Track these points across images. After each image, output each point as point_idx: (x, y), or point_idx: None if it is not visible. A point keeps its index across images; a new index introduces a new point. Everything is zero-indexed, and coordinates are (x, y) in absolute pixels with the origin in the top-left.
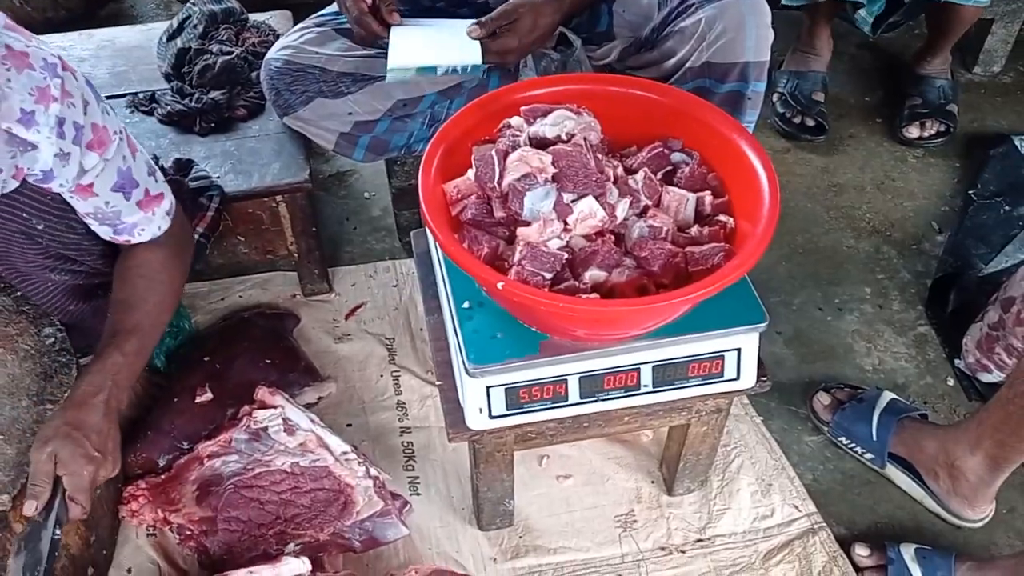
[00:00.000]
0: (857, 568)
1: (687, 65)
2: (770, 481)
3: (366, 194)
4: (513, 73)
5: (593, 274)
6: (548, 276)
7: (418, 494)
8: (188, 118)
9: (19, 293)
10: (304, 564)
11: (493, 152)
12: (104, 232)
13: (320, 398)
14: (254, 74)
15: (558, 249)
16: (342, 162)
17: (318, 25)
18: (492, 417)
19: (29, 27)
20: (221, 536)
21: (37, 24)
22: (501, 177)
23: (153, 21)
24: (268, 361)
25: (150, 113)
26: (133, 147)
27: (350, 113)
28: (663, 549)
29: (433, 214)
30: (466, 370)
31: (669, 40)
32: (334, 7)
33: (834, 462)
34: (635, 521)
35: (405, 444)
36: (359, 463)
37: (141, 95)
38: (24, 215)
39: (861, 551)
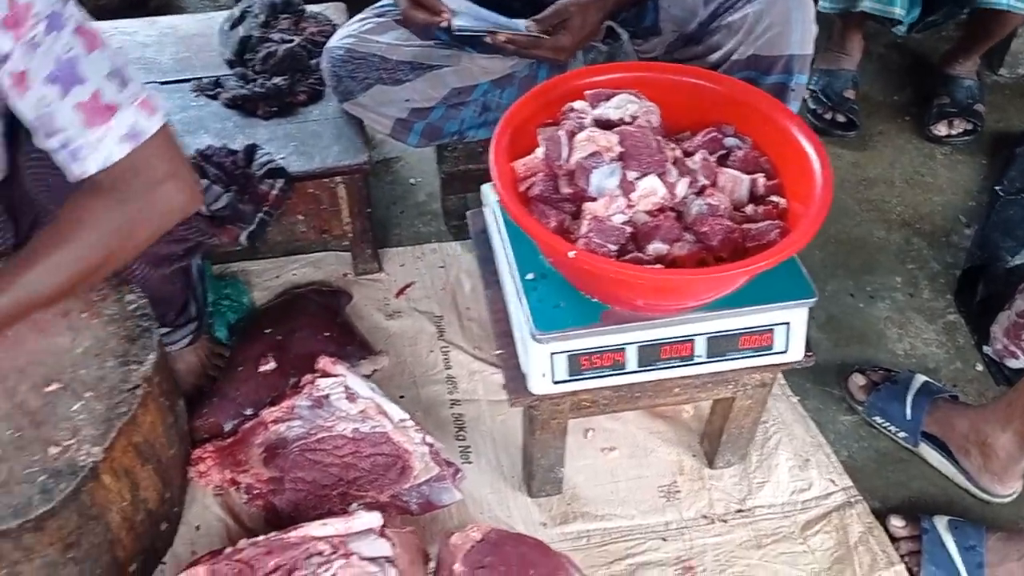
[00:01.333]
0: (892, 539)
1: (733, 58)
2: (807, 456)
3: (412, 180)
4: (563, 66)
5: (656, 247)
6: (613, 248)
7: (469, 462)
8: (252, 102)
9: None
10: (376, 518)
11: (561, 132)
12: (60, 158)
13: (374, 371)
14: (313, 61)
15: (622, 224)
16: (388, 150)
17: (378, 15)
18: (555, 382)
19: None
20: (289, 495)
21: (90, 9)
22: (569, 155)
23: (202, 11)
24: (326, 334)
25: (215, 97)
26: (93, 41)
27: (407, 100)
28: (705, 518)
29: (505, 190)
30: (532, 337)
31: (716, 34)
32: None
33: (868, 440)
34: (678, 492)
35: (455, 416)
36: (416, 430)
37: (206, 80)
38: None
39: (896, 522)
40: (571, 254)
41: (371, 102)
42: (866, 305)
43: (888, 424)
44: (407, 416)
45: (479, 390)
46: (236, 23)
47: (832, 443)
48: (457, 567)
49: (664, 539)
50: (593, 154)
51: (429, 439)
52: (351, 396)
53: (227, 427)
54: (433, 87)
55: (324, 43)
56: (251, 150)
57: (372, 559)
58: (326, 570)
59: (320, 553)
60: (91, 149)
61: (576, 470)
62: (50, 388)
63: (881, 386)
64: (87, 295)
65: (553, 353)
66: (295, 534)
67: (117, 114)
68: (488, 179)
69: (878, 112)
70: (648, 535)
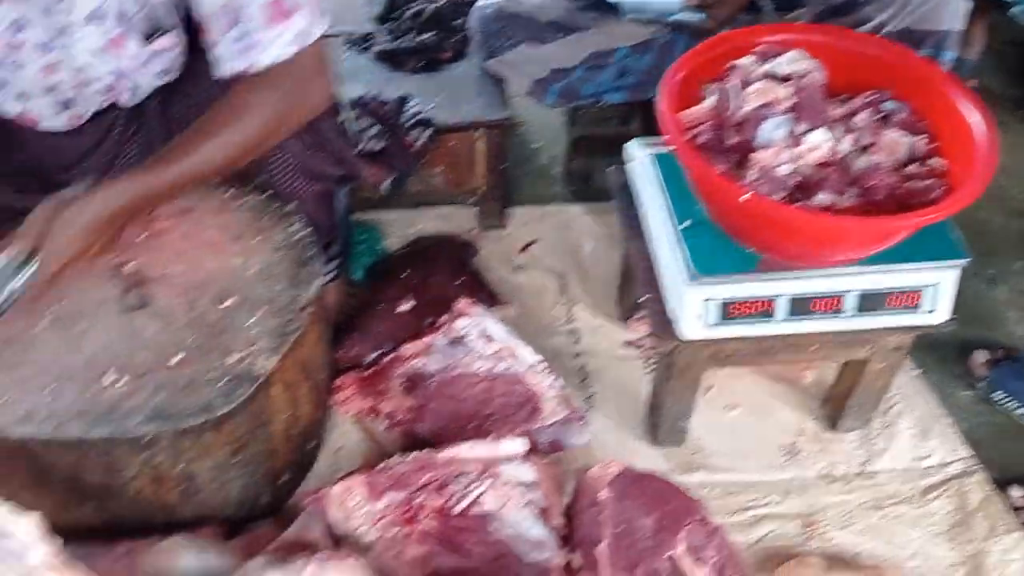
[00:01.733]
0: (1013, 508)
1: (886, 30)
2: (928, 426)
3: (534, 144)
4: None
5: (822, 198)
6: (778, 198)
7: (595, 410)
8: (400, 57)
9: (270, 192)
10: (523, 444)
11: (735, 83)
12: (230, 50)
13: (501, 319)
14: (458, 20)
15: (787, 174)
16: (511, 115)
17: None
18: (705, 327)
19: None
20: (429, 424)
21: None
22: (740, 106)
23: None
24: (459, 281)
25: (365, 51)
26: None
27: (549, 60)
28: (826, 478)
29: (676, 136)
30: (690, 280)
31: (866, 6)
32: None
33: (987, 416)
34: (799, 452)
35: (579, 367)
36: (547, 373)
37: (357, 34)
38: None
39: (1016, 492)
40: (744, 197)
41: (515, 60)
42: (986, 288)
43: (1010, 399)
44: (539, 360)
45: (601, 344)
46: None
47: (952, 416)
48: (603, 494)
49: (786, 494)
50: (765, 105)
51: (559, 383)
52: (487, 337)
53: (366, 360)
54: (576, 48)
55: (468, 3)
56: (402, 100)
57: (517, 483)
58: (475, 488)
59: (469, 473)
60: (267, 45)
61: (698, 424)
62: (227, 303)
63: (1004, 363)
64: (258, 223)
65: (707, 299)
66: (445, 454)
67: (294, 16)
68: (615, 142)
69: (997, 104)
70: (769, 490)
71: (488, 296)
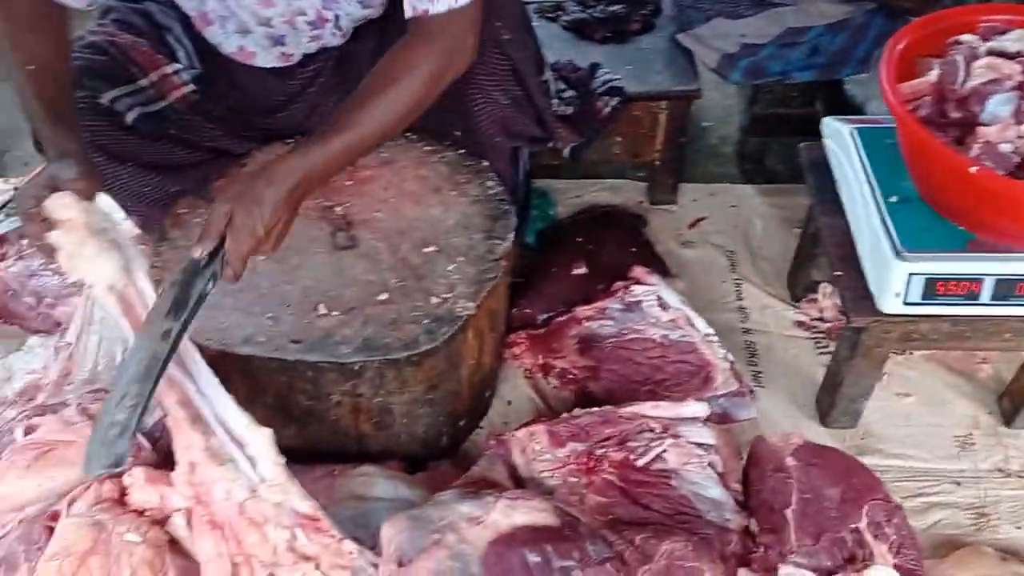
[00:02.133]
0: None
1: None
2: None
3: (705, 123)
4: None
5: None
6: (1001, 173)
7: (762, 387)
8: (590, 26)
9: (463, 150)
10: (704, 408)
11: (959, 58)
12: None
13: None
14: None
15: (1010, 152)
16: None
17: None
18: (906, 303)
19: None
20: (604, 383)
21: None
22: (965, 80)
23: None
24: (632, 250)
25: (554, 20)
26: None
27: (742, 35)
28: (1000, 471)
29: (900, 107)
30: (896, 255)
31: None
32: None
33: None
34: (973, 444)
35: (748, 343)
36: (719, 345)
37: (547, 3)
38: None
39: None
40: (974, 169)
41: (707, 34)
42: None
43: None
44: (712, 331)
45: (771, 323)
46: None
47: None
48: (789, 461)
49: (958, 484)
50: (992, 81)
51: (730, 356)
52: (663, 304)
53: (539, 319)
54: (770, 24)
55: None
56: (594, 68)
57: (698, 444)
58: (657, 445)
59: (651, 430)
60: None
61: (871, 410)
62: (427, 249)
63: None
64: (455, 177)
65: (912, 273)
66: (628, 410)
67: None
68: (795, 122)
69: None
70: (942, 479)
71: (659, 267)
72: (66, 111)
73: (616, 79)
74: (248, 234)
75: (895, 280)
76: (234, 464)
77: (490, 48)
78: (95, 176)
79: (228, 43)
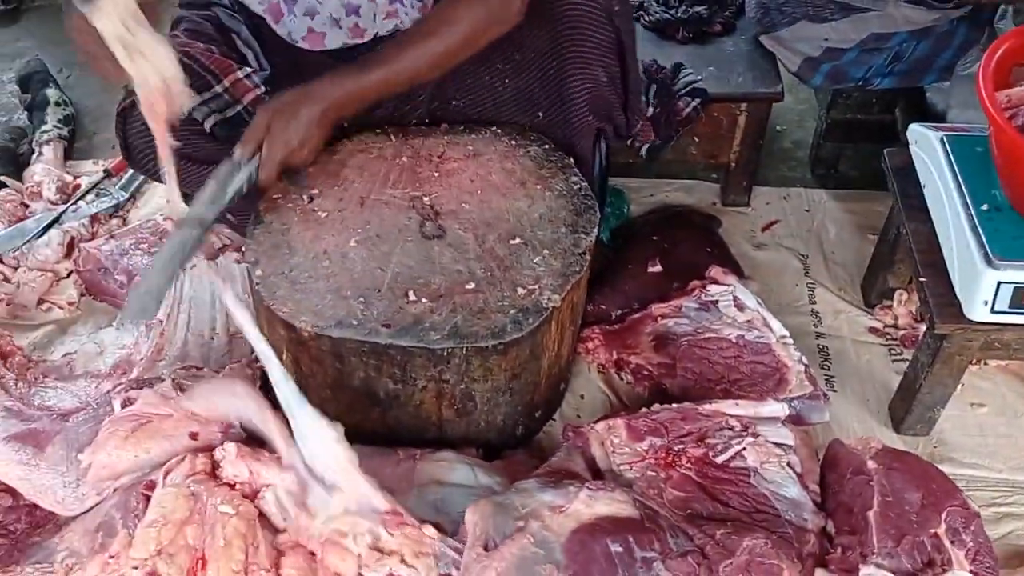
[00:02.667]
0: None
1: None
2: None
3: (778, 127)
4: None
5: None
6: None
7: (834, 391)
8: (672, 27)
9: (549, 145)
10: (783, 408)
11: None
12: None
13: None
14: None
15: None
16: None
17: None
18: (993, 312)
19: None
20: (679, 380)
21: None
22: None
23: None
24: (707, 250)
25: (636, 20)
26: None
27: (825, 39)
28: None
29: (999, 115)
30: (987, 262)
31: None
32: None
33: None
34: None
35: (820, 347)
36: (795, 348)
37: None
38: None
39: None
40: None
41: (790, 37)
42: None
43: None
44: (787, 334)
45: (844, 328)
46: None
47: None
48: (870, 464)
49: None
50: None
51: (804, 359)
52: (739, 305)
53: (613, 315)
54: (854, 29)
55: None
56: (677, 68)
57: (776, 443)
58: (737, 443)
59: (731, 428)
60: None
61: (944, 418)
62: (514, 241)
63: None
64: (540, 171)
65: (1002, 282)
66: (708, 407)
67: None
68: (873, 128)
69: None
70: (1016, 489)
71: (734, 268)
72: None
73: (698, 80)
74: (283, 143)
75: (984, 288)
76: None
77: (599, 18)
78: None
79: (298, 29)
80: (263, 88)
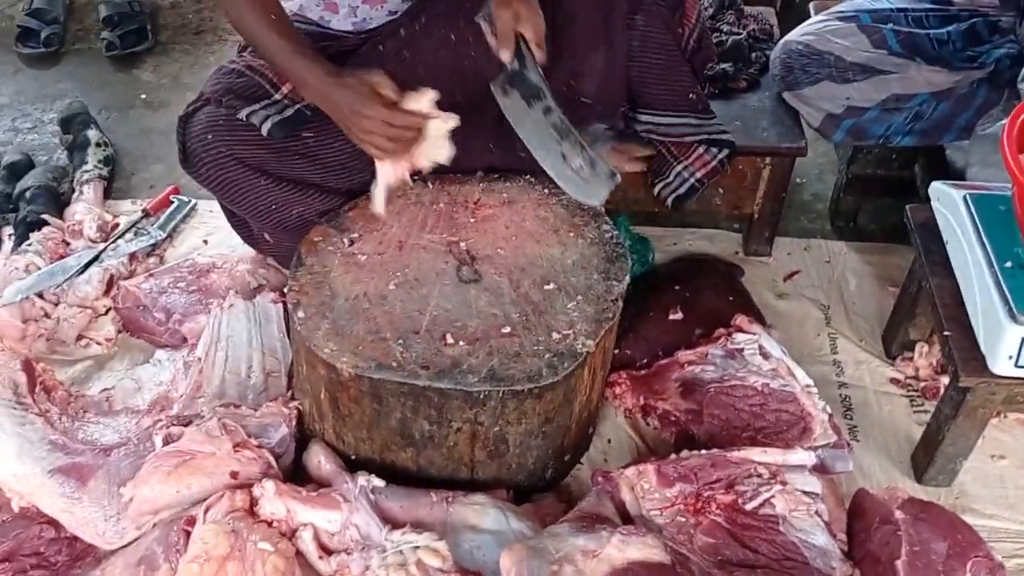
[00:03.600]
0: None
1: None
2: None
3: (799, 179)
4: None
5: None
6: None
7: (857, 440)
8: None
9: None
10: (811, 457)
11: None
12: None
13: None
14: (753, 54)
15: None
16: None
17: (841, 19)
18: (1017, 366)
19: None
20: (706, 427)
21: None
22: None
23: None
24: (729, 299)
25: None
26: None
27: (847, 98)
28: None
29: (1020, 177)
30: (1012, 318)
31: None
32: (856, 3)
33: None
34: None
35: (843, 396)
36: (819, 397)
37: None
38: None
39: None
40: None
41: (813, 95)
42: None
43: None
44: (811, 383)
45: (866, 378)
46: None
47: None
48: (898, 514)
49: None
50: None
51: (828, 408)
52: (764, 354)
53: (639, 361)
54: (876, 90)
55: (766, 39)
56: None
57: (805, 492)
58: (766, 490)
59: (759, 476)
60: None
61: (965, 470)
62: (548, 287)
63: None
64: (573, 219)
65: None
66: (736, 455)
67: None
68: (892, 184)
69: None
70: None
71: (757, 317)
72: (304, 42)
73: (727, 132)
74: (536, 17)
75: (1009, 343)
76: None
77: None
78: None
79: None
80: None
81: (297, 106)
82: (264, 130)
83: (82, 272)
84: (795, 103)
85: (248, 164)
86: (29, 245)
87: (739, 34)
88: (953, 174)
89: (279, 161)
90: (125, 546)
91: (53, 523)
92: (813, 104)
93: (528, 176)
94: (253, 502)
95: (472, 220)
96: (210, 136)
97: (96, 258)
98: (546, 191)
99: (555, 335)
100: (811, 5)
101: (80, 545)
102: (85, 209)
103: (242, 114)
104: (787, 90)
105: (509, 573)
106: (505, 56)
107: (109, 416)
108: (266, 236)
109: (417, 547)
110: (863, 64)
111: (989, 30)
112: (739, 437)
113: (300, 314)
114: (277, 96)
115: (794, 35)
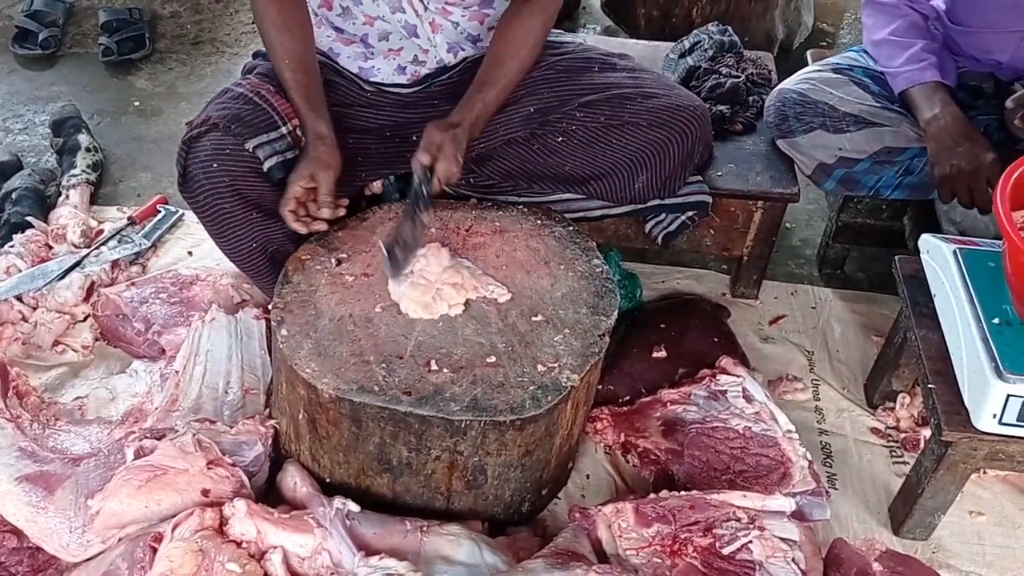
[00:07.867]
0: None
1: None
2: None
3: (788, 224)
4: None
5: None
6: None
7: (835, 489)
8: None
9: (572, 227)
10: (790, 503)
11: None
12: None
13: None
14: (751, 98)
15: None
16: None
17: (835, 71)
18: (1001, 423)
19: None
20: (686, 467)
21: None
22: None
23: None
24: (714, 339)
25: None
26: None
27: (840, 148)
28: None
29: (1015, 233)
30: (997, 375)
31: None
32: (851, 58)
33: None
34: None
35: (823, 443)
36: (800, 444)
37: None
38: None
39: None
40: None
41: (806, 144)
42: None
43: None
44: (793, 428)
45: (847, 426)
46: (685, 54)
47: None
48: (875, 565)
49: None
50: None
51: (808, 455)
52: (748, 397)
53: (620, 398)
54: (868, 142)
55: (761, 83)
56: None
57: (783, 539)
58: (744, 535)
59: (738, 520)
60: None
61: (943, 525)
62: (536, 318)
63: None
64: (564, 252)
65: (1011, 395)
66: (716, 497)
67: None
68: (880, 234)
69: None
70: None
71: (741, 359)
72: (317, 98)
73: (704, 197)
74: (454, 160)
75: (993, 400)
76: None
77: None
78: (337, 154)
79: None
80: None
81: (298, 151)
82: (266, 166)
83: (63, 277)
84: (788, 151)
85: (246, 197)
86: (11, 247)
87: (737, 77)
88: (942, 227)
89: (277, 197)
90: (89, 559)
91: (16, 532)
92: (806, 152)
93: (520, 206)
94: (223, 521)
95: (462, 247)
96: (215, 165)
97: (78, 263)
98: (539, 222)
99: (540, 367)
100: (808, 53)
101: (43, 556)
102: (70, 213)
103: (250, 145)
104: (781, 138)
105: None
106: (424, 159)
107: (81, 425)
108: None
109: (392, 575)
110: (856, 115)
111: (971, 95)
112: (718, 479)
113: (283, 332)
114: (284, 130)
115: (789, 83)
